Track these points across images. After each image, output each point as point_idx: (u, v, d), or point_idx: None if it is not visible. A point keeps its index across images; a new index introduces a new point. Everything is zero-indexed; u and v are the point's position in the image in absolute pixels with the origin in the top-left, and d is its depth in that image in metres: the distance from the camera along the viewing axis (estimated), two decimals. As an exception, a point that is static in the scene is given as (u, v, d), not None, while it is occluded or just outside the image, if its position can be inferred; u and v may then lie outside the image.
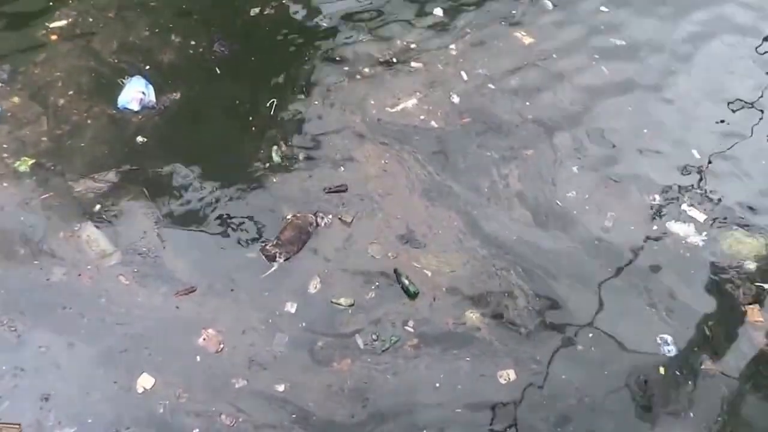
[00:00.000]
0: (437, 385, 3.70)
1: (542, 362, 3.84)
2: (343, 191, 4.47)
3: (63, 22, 5.17)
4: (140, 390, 3.58)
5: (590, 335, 3.99)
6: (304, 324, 3.89)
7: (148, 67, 4.97)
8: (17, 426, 3.44)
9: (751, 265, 4.40)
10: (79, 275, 3.95)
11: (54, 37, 5.07)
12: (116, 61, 5.00)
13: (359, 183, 4.52)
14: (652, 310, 4.16)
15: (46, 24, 5.12)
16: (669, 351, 3.98)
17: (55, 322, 3.77)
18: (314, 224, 4.30)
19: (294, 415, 3.56)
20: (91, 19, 5.24)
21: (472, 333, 3.92)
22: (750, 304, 4.22)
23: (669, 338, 4.03)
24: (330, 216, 4.35)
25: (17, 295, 3.85)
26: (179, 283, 3.99)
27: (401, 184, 4.56)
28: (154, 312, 3.87)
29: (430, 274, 4.12)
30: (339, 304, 3.98)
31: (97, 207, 4.24)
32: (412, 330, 3.91)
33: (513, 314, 4.02)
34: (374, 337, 3.87)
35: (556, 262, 4.27)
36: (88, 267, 3.99)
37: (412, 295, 4.03)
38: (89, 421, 3.50)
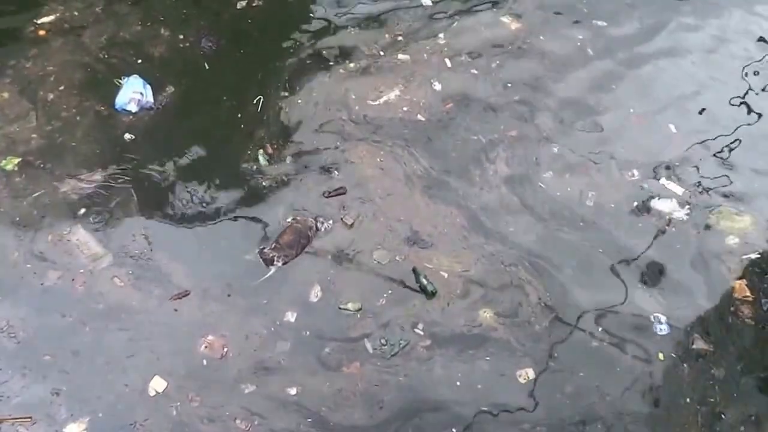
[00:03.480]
0: (458, 383, 4.11)
1: (560, 360, 4.26)
2: (343, 194, 4.83)
3: (51, 17, 5.50)
4: (152, 393, 3.92)
5: (599, 328, 4.43)
6: (308, 332, 4.24)
7: (140, 60, 5.32)
8: (28, 418, 3.79)
9: (734, 240, 4.94)
10: (73, 280, 4.25)
11: (42, 33, 5.40)
12: (106, 56, 5.34)
13: (358, 185, 4.89)
14: (644, 288, 4.65)
15: (34, 20, 5.46)
16: (662, 330, 4.47)
17: (57, 330, 4.08)
18: (314, 228, 4.65)
19: (309, 419, 3.92)
20: (77, 13, 5.57)
21: (489, 332, 4.32)
22: (737, 279, 4.74)
23: (662, 317, 4.53)
24: (330, 221, 4.70)
25: (14, 301, 4.15)
26: (174, 286, 4.32)
27: (400, 183, 4.95)
28: (155, 316, 4.19)
29: (446, 275, 4.51)
30: (347, 309, 4.34)
31: (85, 209, 4.55)
32: (422, 333, 4.29)
33: (527, 311, 4.44)
34: (383, 341, 4.24)
35: (554, 249, 4.73)
36: (81, 271, 4.30)
37: (430, 295, 4.41)
38: (100, 415, 3.84)
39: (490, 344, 4.29)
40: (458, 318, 4.37)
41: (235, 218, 4.68)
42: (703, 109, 5.71)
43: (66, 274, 4.29)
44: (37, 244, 4.39)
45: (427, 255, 4.61)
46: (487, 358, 4.22)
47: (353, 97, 5.37)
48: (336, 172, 4.95)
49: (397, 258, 4.58)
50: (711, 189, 5.21)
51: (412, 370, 4.17)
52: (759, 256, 4.88)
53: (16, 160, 4.70)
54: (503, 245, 4.71)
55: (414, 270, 4.52)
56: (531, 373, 4.19)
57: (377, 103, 5.37)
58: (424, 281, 4.45)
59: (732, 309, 4.63)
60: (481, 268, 4.59)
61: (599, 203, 5.02)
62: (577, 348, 4.35)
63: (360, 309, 4.36)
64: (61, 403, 3.86)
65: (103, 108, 5.04)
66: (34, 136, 4.84)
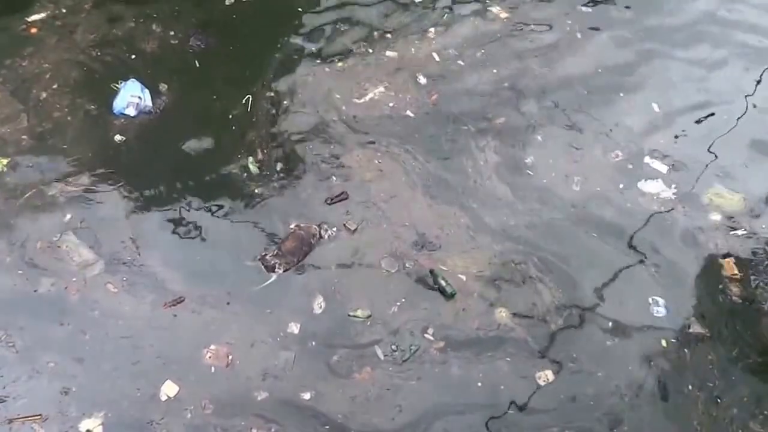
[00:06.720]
0: (479, 384, 4.36)
1: (578, 359, 4.52)
2: (345, 199, 5.07)
3: (42, 15, 5.75)
4: (164, 398, 4.11)
5: (609, 323, 4.71)
6: (313, 342, 4.45)
7: (133, 56, 5.59)
8: (38, 416, 3.96)
9: (722, 218, 5.29)
10: (66, 288, 4.42)
11: (34, 30, 5.63)
12: (99, 53, 5.59)
13: (359, 189, 5.13)
14: (642, 267, 4.98)
15: (26, 18, 5.70)
16: (659, 312, 4.79)
17: (57, 338, 4.25)
18: (317, 236, 4.86)
19: (327, 426, 4.11)
20: (65, 10, 5.82)
21: (506, 333, 4.58)
22: (725, 257, 5.10)
23: (660, 300, 4.84)
24: (334, 228, 4.92)
25: (10, 309, 4.33)
26: (170, 293, 4.52)
27: (401, 184, 5.21)
28: (155, 323, 4.38)
29: (464, 278, 4.77)
30: (356, 316, 4.55)
31: (74, 214, 4.74)
32: (432, 337, 4.52)
33: (542, 310, 4.71)
34: (394, 347, 4.45)
35: (554, 241, 5.02)
36: (74, 279, 4.46)
37: (449, 296, 4.65)
38: (109, 416, 4.04)
39: (509, 345, 4.54)
40: (475, 320, 4.62)
41: (233, 224, 4.89)
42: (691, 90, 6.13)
43: (58, 281, 4.45)
44: (27, 249, 4.55)
45: (439, 258, 4.86)
46: (507, 359, 4.48)
47: (337, 96, 5.64)
48: (334, 177, 5.18)
49: (407, 264, 4.81)
50: (698, 168, 5.57)
51: (426, 373, 4.40)
52: (745, 232, 5.24)
53: (5, 161, 4.86)
54: (509, 242, 4.99)
55: (431, 272, 4.75)
56: (550, 375, 4.45)
57: (362, 101, 5.66)
58: (443, 283, 4.68)
59: (721, 287, 4.97)
60: (494, 268, 4.86)
61: (586, 187, 5.36)
62: (592, 346, 4.63)
63: (369, 316, 4.57)
64: (70, 402, 4.05)
65: (93, 107, 5.25)
66: (24, 137, 5.04)
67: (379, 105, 5.67)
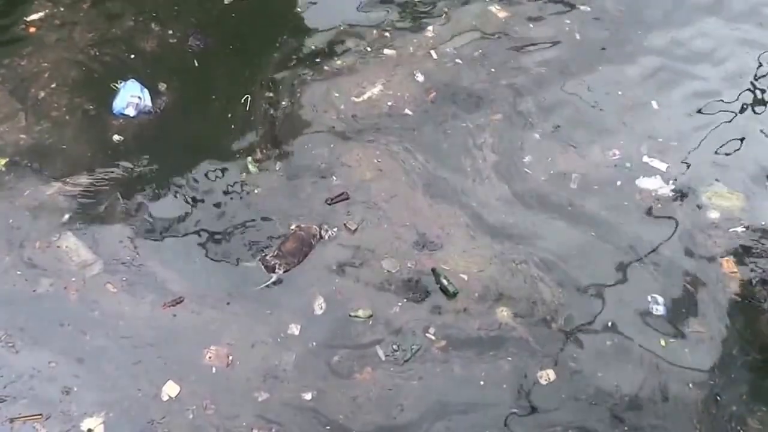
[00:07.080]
0: (481, 384, 4.39)
1: (579, 359, 4.55)
2: (346, 199, 5.08)
3: (41, 14, 5.77)
4: (165, 398, 4.13)
5: (609, 323, 4.74)
6: (314, 343, 4.46)
7: (132, 56, 5.62)
8: (39, 416, 3.99)
9: (721, 216, 5.33)
10: (65, 288, 4.43)
11: (33, 30, 5.65)
12: (98, 53, 5.61)
13: (359, 189, 5.15)
14: (641, 266, 5.01)
15: (24, 18, 5.72)
16: (658, 310, 4.83)
17: (58, 339, 4.27)
18: (318, 236, 4.87)
19: (328, 427, 4.13)
20: (62, 9, 5.84)
21: (508, 333, 4.61)
22: (723, 255, 5.13)
23: (659, 298, 4.88)
24: (335, 228, 4.93)
25: (10, 310, 4.34)
26: (170, 293, 4.53)
27: (401, 183, 5.23)
28: (155, 323, 4.39)
29: (466, 277, 4.79)
30: (357, 316, 4.56)
31: (72, 214, 4.75)
32: (433, 337, 4.55)
33: (543, 309, 4.74)
34: (395, 347, 4.47)
35: (555, 241, 5.06)
36: (73, 279, 4.47)
37: (452, 295, 4.68)
38: (111, 415, 4.06)
39: (510, 344, 4.57)
40: (476, 319, 4.65)
41: (232, 225, 4.91)
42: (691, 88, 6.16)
43: (57, 281, 4.47)
44: (26, 249, 4.57)
45: (440, 257, 4.89)
46: (509, 359, 4.50)
47: (336, 95, 5.66)
48: (334, 177, 5.20)
49: (408, 264, 4.84)
50: (697, 167, 5.60)
51: (428, 372, 4.43)
52: (744, 230, 5.28)
53: (4, 161, 4.88)
54: (509, 241, 5.02)
55: (433, 271, 4.79)
56: (552, 374, 4.48)
57: (360, 99, 5.69)
58: (445, 282, 4.71)
59: (720, 285, 5.00)
60: (495, 268, 4.89)
61: (583, 185, 5.40)
62: (592, 346, 4.66)
63: (371, 316, 4.59)
64: (72, 402, 4.07)
65: (92, 107, 5.26)
66: (23, 136, 5.05)
67: (378, 103, 5.70)
